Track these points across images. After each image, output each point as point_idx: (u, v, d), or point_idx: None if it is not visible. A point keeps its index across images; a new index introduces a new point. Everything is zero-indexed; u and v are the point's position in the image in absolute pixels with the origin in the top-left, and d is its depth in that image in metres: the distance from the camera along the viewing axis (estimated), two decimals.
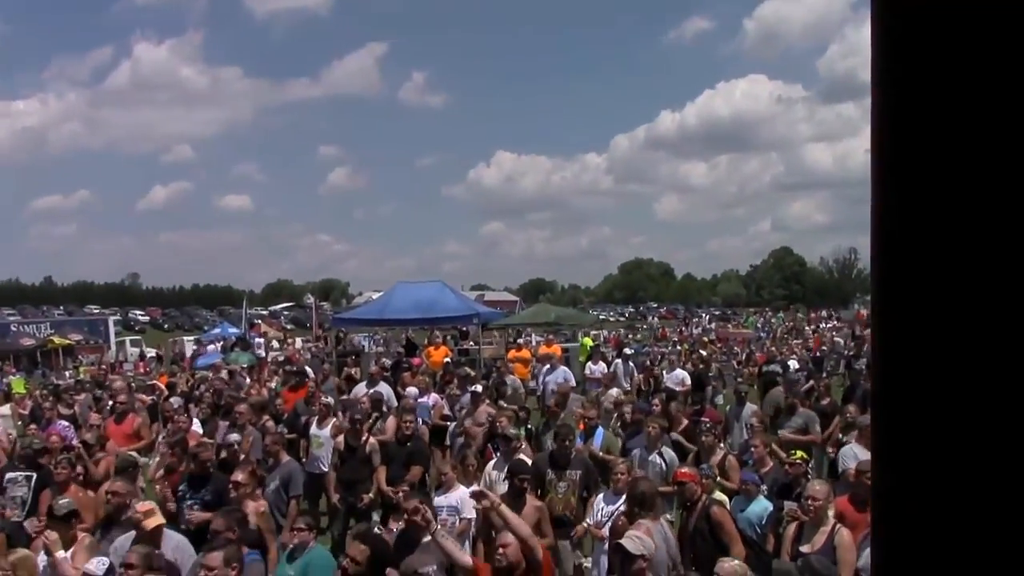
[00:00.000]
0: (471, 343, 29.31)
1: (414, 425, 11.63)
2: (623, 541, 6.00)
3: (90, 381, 26.47)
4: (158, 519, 7.38)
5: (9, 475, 10.13)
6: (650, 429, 10.73)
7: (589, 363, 21.17)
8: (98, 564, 6.53)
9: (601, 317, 71.63)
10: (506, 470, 8.83)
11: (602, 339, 39.45)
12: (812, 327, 57.63)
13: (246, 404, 13.66)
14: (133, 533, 7.20)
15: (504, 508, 6.28)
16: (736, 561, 6.36)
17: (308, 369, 21.31)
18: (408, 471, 10.75)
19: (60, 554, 6.87)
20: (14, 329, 42.56)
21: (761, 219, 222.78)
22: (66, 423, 14.16)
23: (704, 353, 27.79)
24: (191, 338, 47.94)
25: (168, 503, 9.26)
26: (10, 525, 8.43)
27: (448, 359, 23.27)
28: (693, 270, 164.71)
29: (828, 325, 59.14)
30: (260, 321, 62.81)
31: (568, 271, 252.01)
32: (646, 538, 6.24)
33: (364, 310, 32.89)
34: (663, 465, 10.20)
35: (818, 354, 32.44)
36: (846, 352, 30.97)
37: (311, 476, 11.49)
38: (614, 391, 15.96)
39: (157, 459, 11.65)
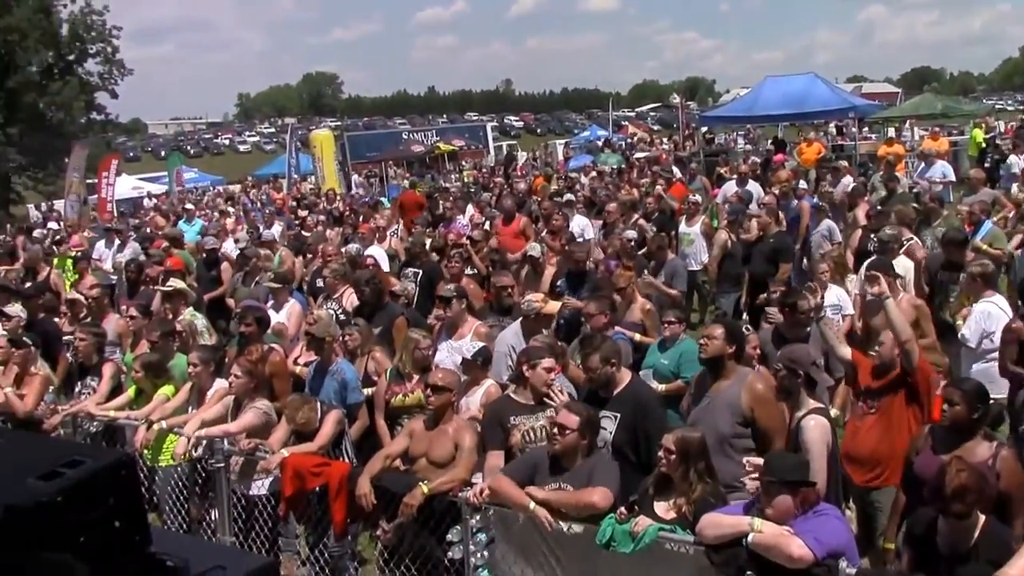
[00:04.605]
0: (847, 139, 27.68)
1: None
2: None
3: (475, 185, 28.33)
4: (554, 306, 7.89)
5: (404, 270, 11.26)
6: None
7: (1012, 156, 19.10)
8: (471, 346, 7.13)
9: (997, 106, 64.41)
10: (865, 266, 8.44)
11: (997, 131, 35.54)
12: None
13: (615, 203, 13.99)
14: (518, 322, 7.78)
15: (890, 301, 6.01)
16: None
17: (675, 170, 21.28)
18: (776, 268, 10.58)
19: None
20: (405, 137, 45.96)
21: None
22: (465, 222, 15.36)
23: None
24: (562, 141, 49.42)
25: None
26: (411, 312, 9.37)
27: (821, 155, 22.22)
28: None
29: None
30: (627, 123, 63.43)
31: (958, 57, 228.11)
32: None
33: (732, 107, 31.94)
34: None
35: None
36: None
37: None
38: None
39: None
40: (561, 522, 4.97)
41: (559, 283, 9.79)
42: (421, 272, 10.88)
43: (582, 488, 5.00)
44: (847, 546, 4.38)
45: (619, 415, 5.75)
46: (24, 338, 8.35)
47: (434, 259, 11.36)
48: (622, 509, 4.80)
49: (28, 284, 12.81)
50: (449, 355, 7.56)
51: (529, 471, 5.24)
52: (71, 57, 47.19)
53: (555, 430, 5.24)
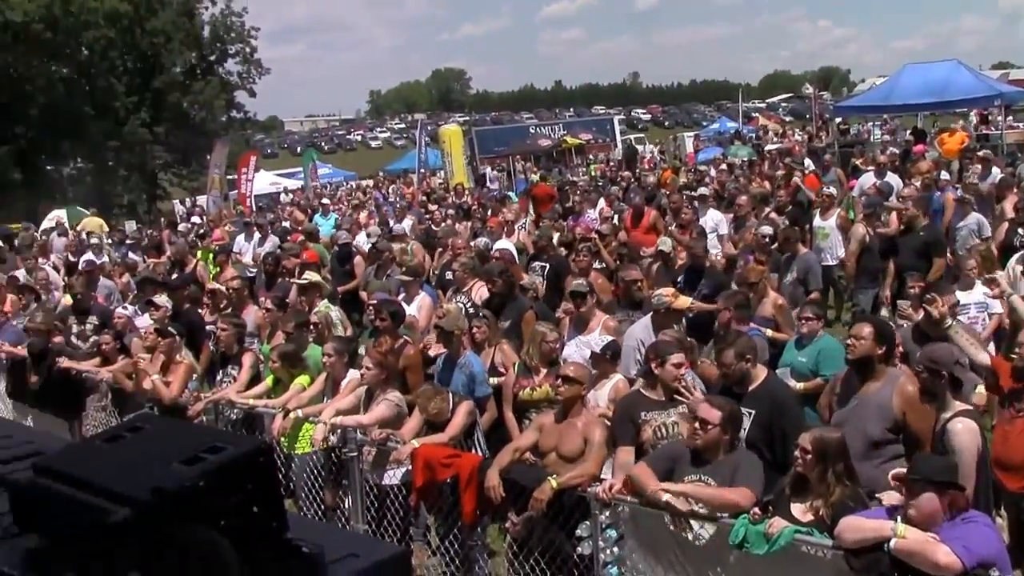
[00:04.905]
0: (991, 128, 26.40)
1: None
2: None
3: (602, 178, 28.20)
4: (685, 301, 7.77)
5: (531, 264, 11.26)
6: None
7: None
8: (599, 340, 7.05)
9: None
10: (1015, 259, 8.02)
11: None
12: None
13: (746, 196, 13.69)
14: (648, 316, 7.68)
15: (1016, 297, 5.70)
16: None
17: (808, 161, 20.72)
18: (929, 262, 10.14)
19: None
20: (532, 131, 46.11)
21: None
22: (594, 216, 15.30)
23: None
24: (691, 134, 48.75)
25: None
26: (539, 306, 9.35)
27: (965, 145, 21.26)
28: None
29: None
30: (757, 114, 62.15)
31: None
32: None
33: (868, 96, 30.83)
34: None
35: None
36: None
37: None
38: None
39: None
40: (692, 523, 4.87)
41: (678, 279, 9.63)
42: (548, 266, 10.87)
43: (724, 483, 4.90)
44: (998, 556, 4.15)
45: (754, 412, 5.63)
46: (170, 328, 8.70)
47: (561, 253, 11.34)
48: (755, 510, 4.68)
49: (175, 276, 13.36)
50: (578, 349, 7.52)
51: (668, 464, 5.17)
52: (212, 58, 49.14)
53: (696, 424, 5.15)
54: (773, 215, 12.91)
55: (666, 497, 4.88)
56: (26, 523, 3.14)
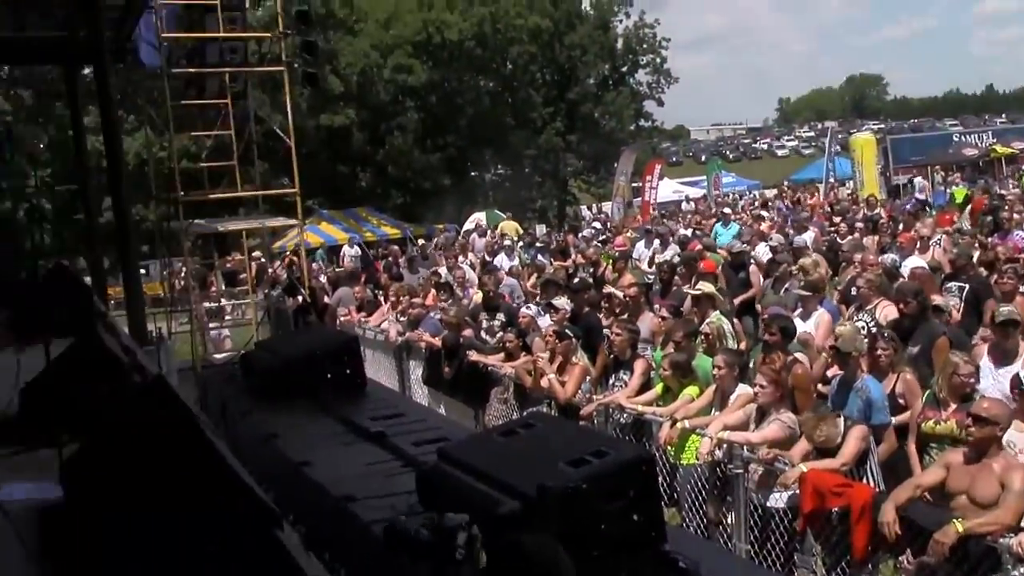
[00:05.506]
0: None
1: None
2: None
3: None
4: None
5: (947, 284, 10.35)
6: None
7: None
8: None
9: None
10: None
11: None
12: None
13: None
14: None
15: None
16: None
17: None
18: None
19: None
20: (956, 139, 42.90)
21: None
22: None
23: None
24: None
25: None
26: (953, 331, 8.61)
27: None
28: None
29: None
30: None
31: None
32: None
33: None
34: None
35: None
36: None
37: None
38: None
39: None
40: None
41: None
42: (967, 287, 9.96)
43: None
44: None
45: None
46: (567, 330, 9.09)
47: (982, 274, 10.34)
48: None
49: (576, 279, 13.93)
50: (995, 383, 6.81)
51: None
52: (624, 69, 50.72)
53: None
54: None
55: None
56: (428, 502, 3.42)
